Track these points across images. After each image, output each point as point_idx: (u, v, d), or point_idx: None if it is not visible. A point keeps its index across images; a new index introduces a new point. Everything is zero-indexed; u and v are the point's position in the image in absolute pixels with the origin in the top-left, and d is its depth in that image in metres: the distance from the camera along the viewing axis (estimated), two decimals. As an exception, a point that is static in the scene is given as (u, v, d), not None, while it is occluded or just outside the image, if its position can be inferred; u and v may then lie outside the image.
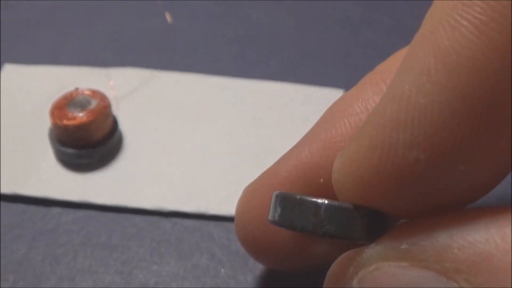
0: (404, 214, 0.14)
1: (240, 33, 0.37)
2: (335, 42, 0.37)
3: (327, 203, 0.14)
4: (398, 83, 0.13)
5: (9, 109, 0.31)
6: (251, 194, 0.20)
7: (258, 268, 0.25)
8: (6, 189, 0.27)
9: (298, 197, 0.15)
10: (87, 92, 0.28)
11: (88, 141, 0.27)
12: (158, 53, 0.35)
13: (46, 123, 0.28)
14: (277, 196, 0.16)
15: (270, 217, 0.16)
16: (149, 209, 0.26)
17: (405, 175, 0.13)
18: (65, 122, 0.27)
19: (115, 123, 0.29)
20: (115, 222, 0.26)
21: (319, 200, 0.14)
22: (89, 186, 0.27)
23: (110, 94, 0.30)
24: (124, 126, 0.30)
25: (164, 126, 0.30)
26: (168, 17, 0.37)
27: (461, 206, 0.14)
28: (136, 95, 0.32)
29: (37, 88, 0.32)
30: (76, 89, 0.28)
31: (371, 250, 0.14)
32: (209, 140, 0.30)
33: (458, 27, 0.12)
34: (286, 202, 0.15)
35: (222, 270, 0.25)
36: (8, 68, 0.33)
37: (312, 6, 0.39)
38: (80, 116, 0.27)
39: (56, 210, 0.27)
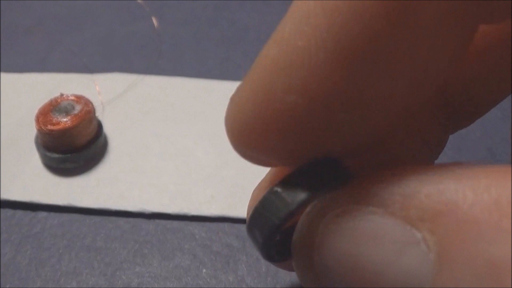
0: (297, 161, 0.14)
1: (226, 36, 0.37)
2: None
3: (279, 181, 0.14)
4: (281, 27, 0.13)
5: (-2, 116, 0.31)
6: None
7: (239, 268, 0.25)
8: (-6, 195, 0.28)
9: (258, 204, 0.14)
10: (71, 98, 0.29)
11: (72, 145, 0.28)
12: (145, 57, 0.36)
13: (32, 129, 0.29)
14: (249, 228, 0.15)
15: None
16: (133, 211, 0.27)
17: (286, 120, 0.12)
18: (50, 127, 0.27)
19: (99, 127, 0.29)
20: (99, 225, 0.27)
21: (273, 187, 0.14)
22: (74, 190, 0.28)
23: (96, 99, 0.30)
24: (110, 130, 0.30)
25: (149, 129, 0.31)
26: (155, 22, 0.38)
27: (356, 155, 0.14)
28: (122, 99, 0.32)
29: (25, 96, 0.33)
30: (61, 95, 0.29)
31: (340, 193, 0.13)
32: (193, 142, 0.30)
33: None
34: (253, 220, 0.14)
35: (204, 270, 0.25)
36: (-2, 76, 0.34)
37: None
38: (64, 121, 0.27)
39: (42, 214, 0.27)
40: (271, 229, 0.14)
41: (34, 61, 0.36)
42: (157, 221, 0.27)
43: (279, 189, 0.14)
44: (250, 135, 0.13)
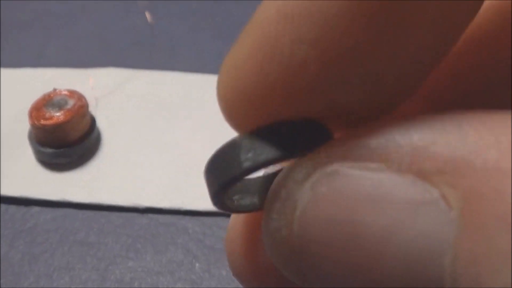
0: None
1: (222, 30, 0.37)
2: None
3: (243, 135, 0.11)
4: None
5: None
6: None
7: (232, 261, 0.25)
8: (-13, 190, 0.27)
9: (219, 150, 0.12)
10: (64, 93, 0.29)
11: (65, 140, 0.28)
12: (140, 52, 0.36)
13: (26, 124, 0.29)
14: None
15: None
16: (126, 206, 0.27)
17: (295, 78, 0.11)
18: (43, 122, 0.27)
19: (92, 122, 0.29)
20: (92, 219, 0.27)
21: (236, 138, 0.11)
22: (68, 185, 0.28)
23: (90, 94, 0.30)
24: (103, 125, 0.30)
25: (142, 124, 0.30)
26: (149, 16, 0.37)
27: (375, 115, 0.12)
28: (116, 94, 0.32)
29: (19, 91, 0.32)
30: (54, 89, 0.29)
31: (332, 148, 0.11)
32: (186, 137, 0.30)
33: None
34: (211, 165, 0.12)
35: (197, 265, 0.25)
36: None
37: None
38: (57, 116, 0.27)
39: (35, 209, 0.27)
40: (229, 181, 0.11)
41: (30, 56, 0.35)
42: (150, 215, 0.27)
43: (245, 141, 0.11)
44: (250, 100, 0.11)
